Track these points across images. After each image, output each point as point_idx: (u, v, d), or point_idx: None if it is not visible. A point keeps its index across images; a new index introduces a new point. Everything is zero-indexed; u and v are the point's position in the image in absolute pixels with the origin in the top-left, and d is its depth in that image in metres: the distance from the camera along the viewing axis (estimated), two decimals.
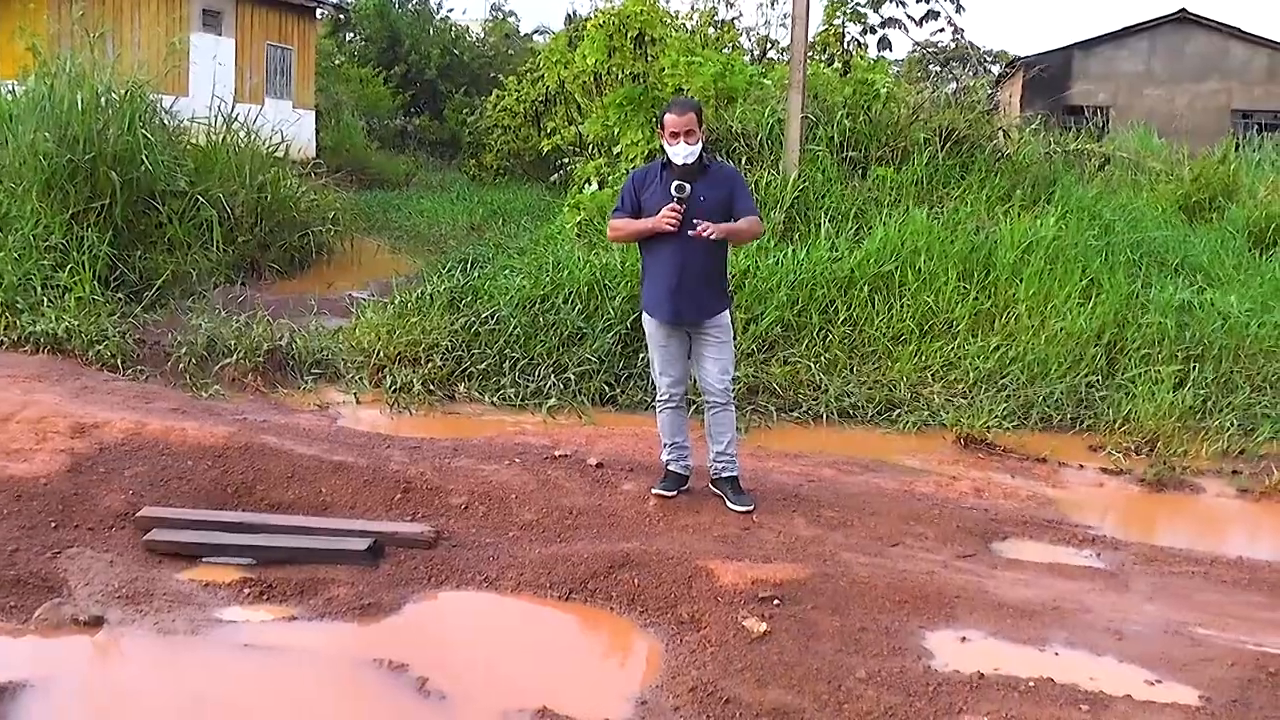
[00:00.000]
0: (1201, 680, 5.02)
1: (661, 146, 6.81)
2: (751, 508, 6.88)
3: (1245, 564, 6.71)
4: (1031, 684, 4.85)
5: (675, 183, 6.54)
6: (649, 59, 14.84)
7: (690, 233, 6.47)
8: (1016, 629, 5.50)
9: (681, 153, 6.57)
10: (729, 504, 6.89)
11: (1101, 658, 5.27)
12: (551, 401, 9.41)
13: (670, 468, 7.03)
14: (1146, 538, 7.17)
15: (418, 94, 35.73)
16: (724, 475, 6.99)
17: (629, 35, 14.92)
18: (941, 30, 30.06)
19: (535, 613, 5.54)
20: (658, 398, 7.01)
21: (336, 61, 35.19)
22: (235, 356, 9.87)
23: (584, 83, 17.74)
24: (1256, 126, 29.34)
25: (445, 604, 5.61)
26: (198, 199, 13.38)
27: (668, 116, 6.66)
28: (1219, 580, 6.42)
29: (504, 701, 4.57)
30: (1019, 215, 12.46)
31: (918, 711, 4.60)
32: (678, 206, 6.50)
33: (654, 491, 6.96)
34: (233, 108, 16.30)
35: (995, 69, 39.77)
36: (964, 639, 5.38)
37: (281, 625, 5.26)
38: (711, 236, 6.45)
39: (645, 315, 6.90)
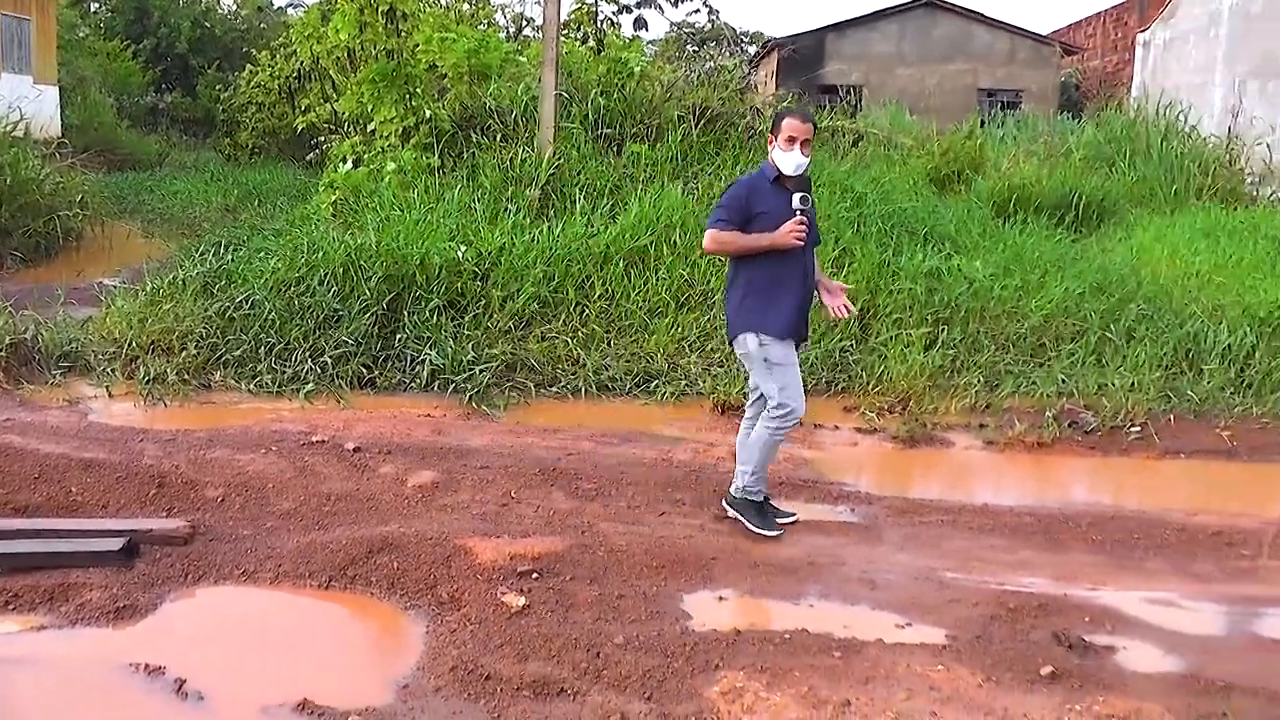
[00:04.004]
0: (948, 621, 5.37)
1: (771, 154, 6.40)
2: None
3: (990, 510, 7.13)
4: (787, 636, 5.08)
5: (799, 195, 6.30)
6: (401, 35, 14.65)
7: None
8: (773, 585, 5.74)
9: (798, 161, 6.30)
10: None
11: (854, 607, 5.57)
12: (309, 386, 9.29)
13: (768, 494, 6.77)
14: (899, 492, 7.49)
15: (169, 69, 34.63)
16: None
17: (380, 10, 14.70)
18: (697, 11, 30.54)
19: (295, 603, 5.50)
20: (788, 420, 6.51)
21: (81, 34, 33.74)
22: None
23: (338, 58, 17.44)
24: (1000, 104, 31.02)
25: (203, 601, 5.50)
26: None
27: (790, 121, 6.32)
28: (965, 527, 6.81)
29: (264, 696, 4.52)
30: None
31: (675, 671, 4.76)
32: (804, 220, 6.28)
33: (785, 523, 6.61)
34: None
35: (751, 49, 40.64)
36: (721, 598, 5.59)
37: (30, 636, 5.06)
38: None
39: (764, 338, 6.43)
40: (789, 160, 6.29)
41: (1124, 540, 6.69)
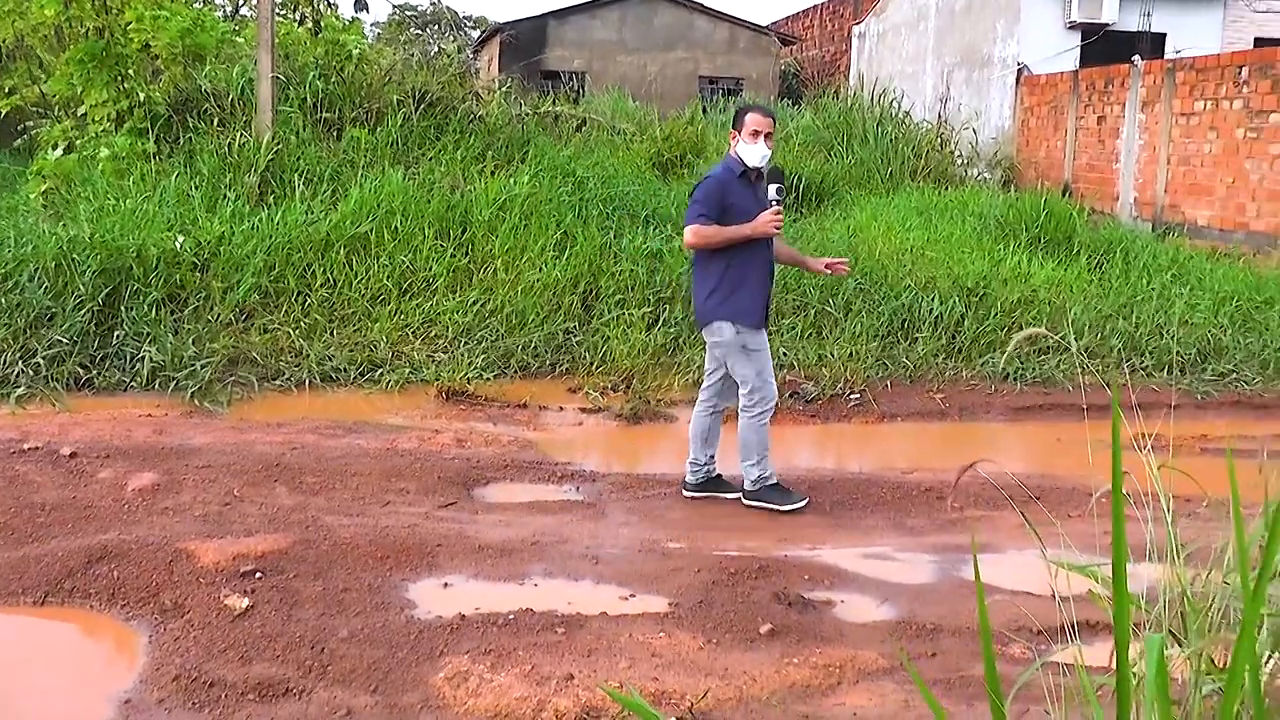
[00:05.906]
0: (671, 589, 5.60)
1: (735, 148, 6.79)
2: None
3: None
4: (511, 616, 5.20)
5: (775, 186, 6.69)
6: (111, 12, 14.11)
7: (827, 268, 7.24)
8: (497, 568, 5.86)
9: (762, 153, 6.70)
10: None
11: (579, 582, 5.76)
12: (20, 391, 8.81)
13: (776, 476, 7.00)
14: (625, 468, 7.69)
15: None
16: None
17: None
18: None
19: (8, 624, 5.29)
20: (767, 403, 6.86)
21: None
22: None
23: (44, 36, 16.69)
24: (721, 91, 32.03)
25: None
26: None
27: (753, 116, 6.74)
28: (689, 499, 7.09)
29: None
30: (493, 174, 12.90)
31: (400, 661, 4.82)
32: (780, 210, 6.66)
33: (795, 508, 6.87)
34: None
35: (474, 34, 40.71)
36: (446, 585, 5.67)
37: None
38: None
39: (731, 326, 6.72)
40: (753, 153, 6.72)
41: (843, 501, 7.14)
